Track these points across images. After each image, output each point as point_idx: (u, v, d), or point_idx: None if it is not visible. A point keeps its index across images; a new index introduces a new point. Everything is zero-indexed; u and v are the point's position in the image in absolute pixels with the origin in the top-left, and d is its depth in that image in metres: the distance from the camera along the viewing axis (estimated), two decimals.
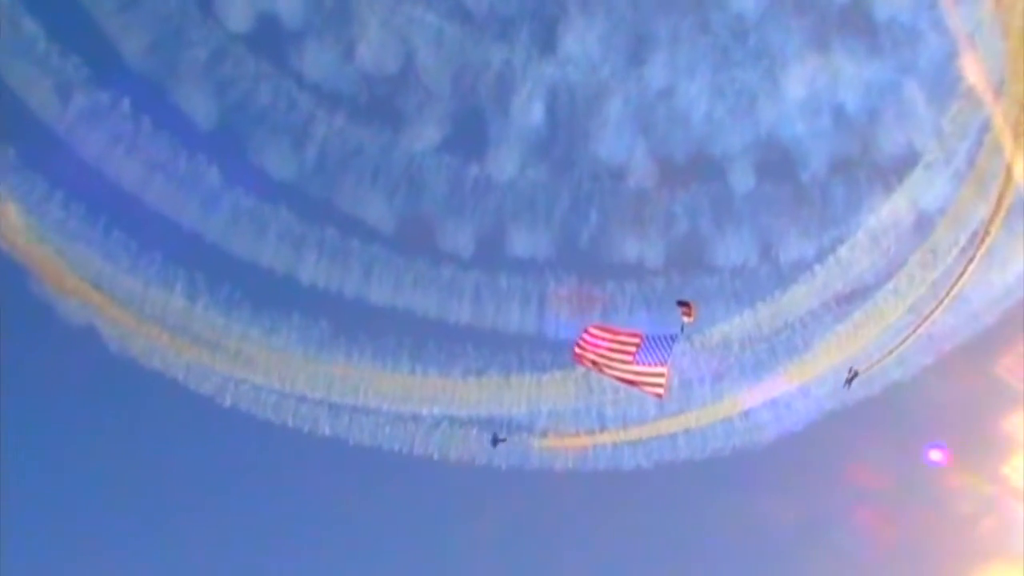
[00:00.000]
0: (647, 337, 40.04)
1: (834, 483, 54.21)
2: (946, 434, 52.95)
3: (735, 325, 47.08)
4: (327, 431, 48.37)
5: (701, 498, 54.01)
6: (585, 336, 40.32)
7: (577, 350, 40.35)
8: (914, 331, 46.10)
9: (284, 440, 48.49)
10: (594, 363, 40.04)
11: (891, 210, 45.79)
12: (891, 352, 46.52)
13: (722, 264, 46.70)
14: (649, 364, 39.54)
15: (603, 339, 40.24)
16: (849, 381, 46.36)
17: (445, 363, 47.65)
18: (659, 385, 39.44)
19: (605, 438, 49.22)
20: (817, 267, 46.61)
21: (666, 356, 39.38)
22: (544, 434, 49.22)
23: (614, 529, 53.62)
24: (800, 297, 46.94)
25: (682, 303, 40.96)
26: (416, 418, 48.51)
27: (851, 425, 49.76)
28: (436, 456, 49.05)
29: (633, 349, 39.70)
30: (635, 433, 48.88)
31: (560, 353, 46.71)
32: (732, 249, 46.54)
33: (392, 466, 49.26)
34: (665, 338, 39.99)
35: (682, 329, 40.20)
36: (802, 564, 54.22)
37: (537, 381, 47.94)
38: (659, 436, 49.11)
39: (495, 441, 47.60)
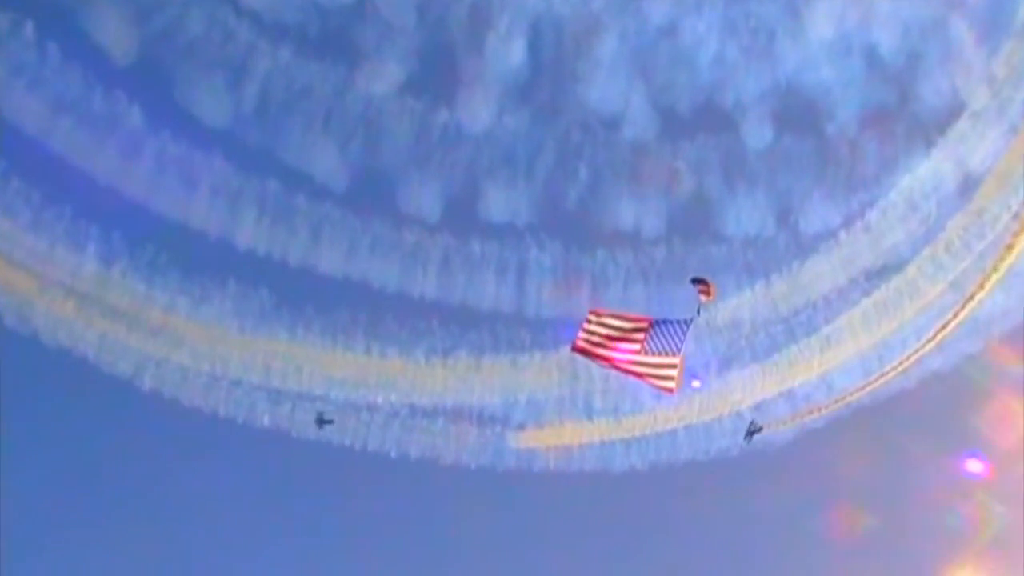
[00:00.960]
0: (657, 322, 37.32)
1: (856, 492, 51.46)
2: (994, 437, 49.61)
3: (746, 302, 44.37)
4: (266, 421, 45.67)
5: (704, 505, 51.49)
6: (586, 323, 37.52)
7: (579, 340, 37.50)
8: (957, 313, 42.36)
9: (215, 431, 45.59)
10: (597, 354, 37.44)
11: (931, 168, 42.70)
12: (931, 339, 43.02)
13: (732, 231, 44.24)
14: (659, 354, 36.93)
15: (607, 325, 37.49)
16: (749, 435, 44.82)
17: (406, 343, 45.06)
18: (670, 378, 36.85)
19: (593, 433, 46.64)
20: (843, 235, 43.86)
21: (679, 344, 36.76)
22: (522, 428, 46.67)
23: (599, 541, 51.07)
24: (823, 270, 44.23)
25: (698, 280, 38.09)
26: (371, 407, 46.03)
27: (883, 422, 47.53)
28: (393, 453, 46.66)
29: (642, 336, 37.11)
30: (628, 428, 46.47)
31: (540, 332, 45.12)
32: (744, 214, 43.98)
33: (342, 463, 46.83)
34: (678, 323, 37.20)
35: (698, 311, 37.58)
36: None
37: (514, 364, 45.32)
38: (656, 432, 46.67)
39: (320, 422, 44.56)
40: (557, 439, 46.73)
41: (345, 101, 41.64)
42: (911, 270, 43.50)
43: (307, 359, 44.69)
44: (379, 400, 45.70)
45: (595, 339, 37.26)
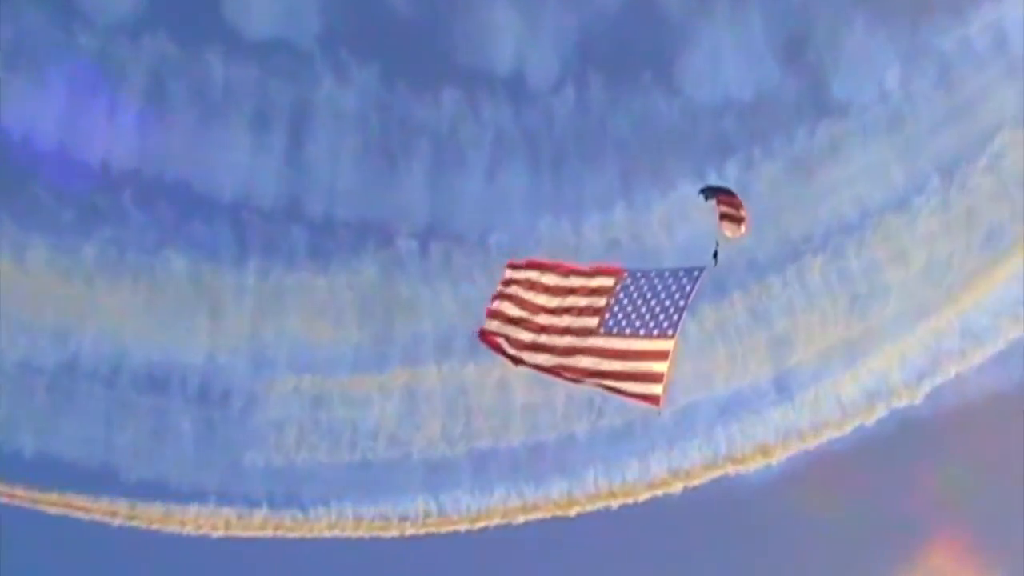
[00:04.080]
0: (631, 275, 26.05)
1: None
2: None
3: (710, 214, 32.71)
4: None
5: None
6: (504, 284, 25.95)
7: (491, 319, 25.61)
8: None
9: None
10: (521, 343, 25.43)
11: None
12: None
13: (694, 82, 34.28)
14: (633, 334, 25.65)
15: (541, 285, 25.82)
16: None
17: (77, 235, 32.15)
18: (655, 377, 24.82)
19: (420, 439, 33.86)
20: (875, 107, 33.89)
21: (673, 314, 25.37)
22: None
23: None
24: (838, 169, 34.17)
25: (714, 190, 26.28)
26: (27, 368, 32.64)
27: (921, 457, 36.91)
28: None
29: (603, 303, 25.96)
30: (495, 427, 34.18)
31: (353, 237, 33.79)
32: (722, 52, 34.01)
33: None
34: (673, 276, 26.04)
35: (715, 255, 25.73)
36: None
37: (284, 292, 33.06)
38: (535, 448, 34.62)
39: None
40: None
41: None
42: (983, 176, 33.17)
43: None
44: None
45: (518, 315, 25.79)
